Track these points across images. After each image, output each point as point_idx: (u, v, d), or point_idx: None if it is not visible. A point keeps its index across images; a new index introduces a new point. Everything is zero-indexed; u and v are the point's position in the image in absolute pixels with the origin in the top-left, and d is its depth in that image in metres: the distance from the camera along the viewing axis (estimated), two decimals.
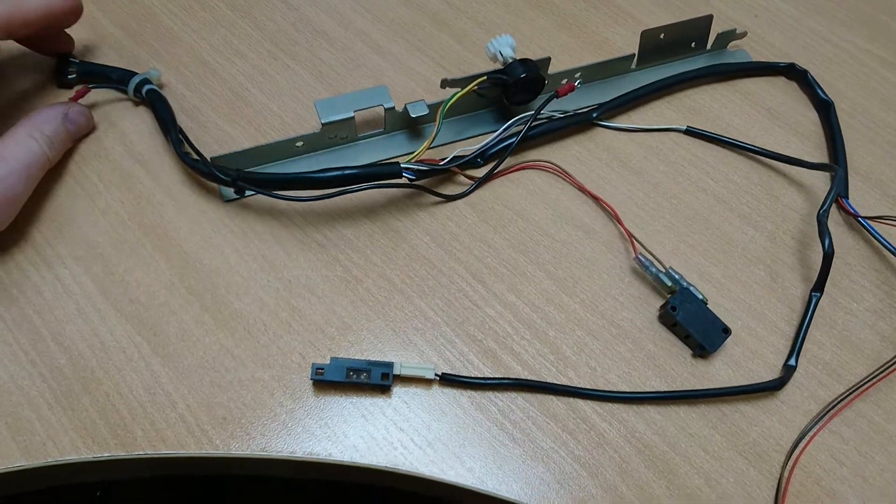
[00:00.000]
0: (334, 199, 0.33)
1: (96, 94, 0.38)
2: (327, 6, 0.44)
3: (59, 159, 0.35)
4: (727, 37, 0.43)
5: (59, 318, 0.32)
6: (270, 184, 0.33)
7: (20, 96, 0.38)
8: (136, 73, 0.38)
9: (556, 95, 0.37)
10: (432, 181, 0.37)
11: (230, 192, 0.35)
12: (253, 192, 0.35)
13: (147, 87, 0.37)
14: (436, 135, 0.35)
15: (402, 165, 0.34)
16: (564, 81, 0.39)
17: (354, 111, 0.36)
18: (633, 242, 0.35)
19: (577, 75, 0.39)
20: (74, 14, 0.37)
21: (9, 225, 0.32)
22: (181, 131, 0.36)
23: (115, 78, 0.38)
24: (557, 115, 0.39)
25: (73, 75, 0.38)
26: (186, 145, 0.35)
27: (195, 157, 0.34)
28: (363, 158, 0.37)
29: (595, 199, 0.37)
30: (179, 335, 0.32)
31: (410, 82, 0.41)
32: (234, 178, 0.33)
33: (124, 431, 0.29)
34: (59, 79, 0.38)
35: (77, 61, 0.39)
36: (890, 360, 0.32)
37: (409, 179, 0.34)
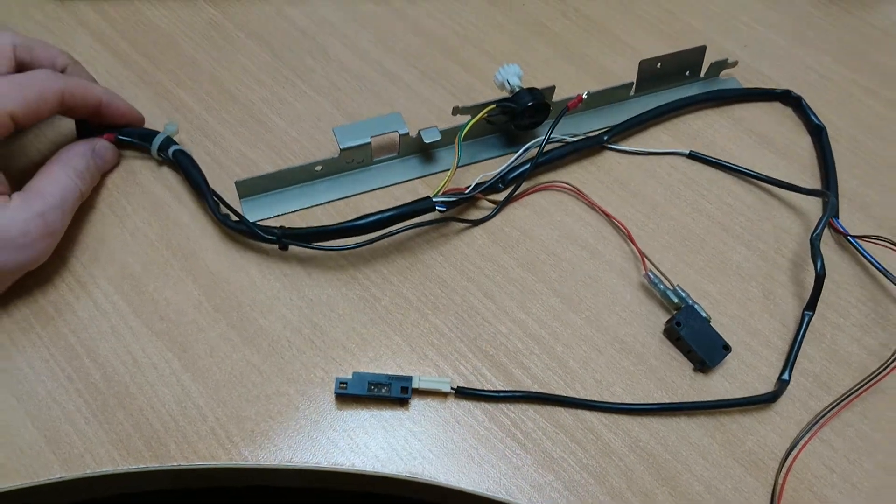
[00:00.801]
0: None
1: None
2: (342, 36, 0.46)
3: (90, 192, 0.36)
4: (720, 66, 0.45)
5: (93, 336, 0.33)
6: (314, 237, 0.35)
7: (48, 143, 0.39)
8: (157, 133, 0.38)
9: (566, 109, 0.39)
10: (457, 209, 0.39)
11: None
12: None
13: (173, 147, 0.37)
14: (457, 162, 0.37)
15: (433, 200, 0.36)
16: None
17: (371, 137, 0.38)
18: (643, 259, 0.37)
19: (585, 92, 0.41)
20: (132, 121, 0.38)
21: None
22: (215, 194, 0.36)
23: (137, 136, 0.38)
24: (569, 138, 0.41)
25: None
26: (223, 207, 0.36)
27: (235, 218, 0.35)
28: (379, 181, 0.39)
29: (609, 217, 0.39)
30: (208, 351, 0.33)
31: (422, 109, 0.43)
32: (278, 237, 0.34)
33: (158, 444, 0.31)
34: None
35: (94, 126, 0.38)
36: (874, 372, 0.35)
37: (440, 212, 0.36)
